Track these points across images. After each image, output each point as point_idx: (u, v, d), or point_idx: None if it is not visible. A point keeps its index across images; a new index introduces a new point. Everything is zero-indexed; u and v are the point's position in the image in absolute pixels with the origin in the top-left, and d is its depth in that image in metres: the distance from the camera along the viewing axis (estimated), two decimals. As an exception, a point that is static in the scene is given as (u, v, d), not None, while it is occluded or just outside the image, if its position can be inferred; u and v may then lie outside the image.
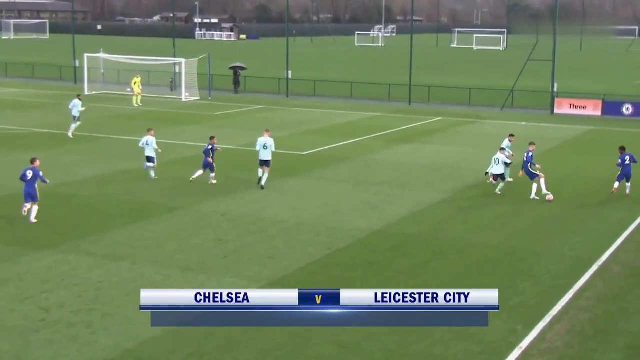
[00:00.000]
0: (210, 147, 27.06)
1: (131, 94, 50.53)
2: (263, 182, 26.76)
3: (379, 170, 30.60)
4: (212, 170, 27.30)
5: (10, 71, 69.52)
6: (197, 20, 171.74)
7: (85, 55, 57.46)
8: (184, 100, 52.91)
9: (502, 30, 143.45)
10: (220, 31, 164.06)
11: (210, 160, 26.96)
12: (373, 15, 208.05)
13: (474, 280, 17.98)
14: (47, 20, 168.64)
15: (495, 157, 26.68)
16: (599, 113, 47.68)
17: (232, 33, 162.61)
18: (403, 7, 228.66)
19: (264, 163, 26.81)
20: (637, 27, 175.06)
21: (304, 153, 33.98)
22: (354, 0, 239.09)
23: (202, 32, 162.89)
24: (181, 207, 24.14)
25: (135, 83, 49.95)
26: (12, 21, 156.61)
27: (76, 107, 37.12)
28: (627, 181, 26.69)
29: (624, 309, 16.34)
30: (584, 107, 48.37)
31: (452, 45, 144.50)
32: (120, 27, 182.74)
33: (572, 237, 21.52)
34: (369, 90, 58.21)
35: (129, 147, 34.31)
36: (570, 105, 48.93)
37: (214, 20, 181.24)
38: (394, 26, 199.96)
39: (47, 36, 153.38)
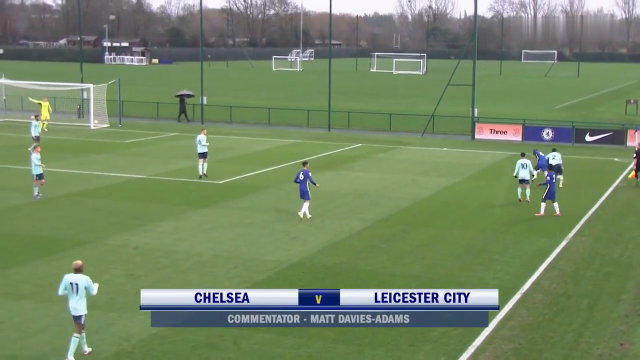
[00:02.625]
0: (303, 173, 26.98)
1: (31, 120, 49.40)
2: (205, 171, 33.87)
3: (298, 199, 30.57)
4: (306, 198, 26.99)
5: None
6: (106, 43, 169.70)
7: (-15, 80, 56.03)
8: (92, 127, 52.08)
9: (422, 54, 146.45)
10: (131, 55, 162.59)
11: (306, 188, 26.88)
12: (290, 39, 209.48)
13: (396, 311, 18.11)
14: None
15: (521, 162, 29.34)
16: (519, 138, 49.01)
17: (143, 57, 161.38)
18: (321, 31, 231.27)
19: (202, 155, 33.80)
20: (555, 51, 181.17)
21: (220, 182, 33.80)
22: (270, 24, 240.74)
23: (111, 56, 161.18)
24: (90, 241, 23.65)
25: (44, 107, 48.83)
26: None
27: None
28: (554, 200, 27.71)
29: (548, 338, 16.71)
30: (505, 132, 49.64)
31: (372, 70, 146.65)
32: (23, 51, 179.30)
33: (494, 265, 21.95)
34: (288, 116, 58.44)
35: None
36: (491, 130, 50.15)
37: (124, 44, 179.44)
38: (312, 50, 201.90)
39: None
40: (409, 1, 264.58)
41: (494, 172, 37.33)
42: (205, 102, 57.81)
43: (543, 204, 27.86)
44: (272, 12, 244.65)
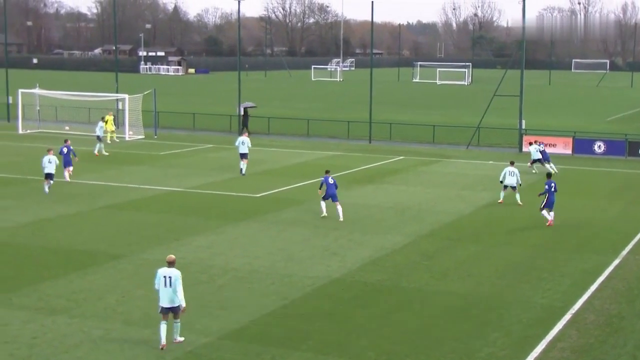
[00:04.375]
0: (328, 178, 29.27)
1: (68, 132, 50.21)
2: (244, 172, 38.18)
3: (335, 213, 30.62)
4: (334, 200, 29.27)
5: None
6: (142, 53, 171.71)
7: (20, 91, 56.91)
8: (127, 139, 52.65)
9: (467, 63, 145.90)
10: (167, 65, 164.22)
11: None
12: (330, 48, 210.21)
13: (440, 331, 18.02)
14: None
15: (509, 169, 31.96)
16: (569, 151, 48.51)
17: (179, 67, 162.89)
18: (362, 40, 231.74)
19: (243, 156, 38.11)
20: (607, 61, 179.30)
21: (257, 195, 33.96)
22: (309, 32, 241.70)
23: (147, 66, 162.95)
24: (124, 255, 23.88)
25: (107, 121, 49.85)
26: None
27: None
28: (551, 209, 28.60)
29: (599, 360, 16.48)
30: (554, 145, 49.16)
31: (415, 80, 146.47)
32: (58, 60, 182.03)
33: (544, 284, 21.72)
34: (327, 127, 58.54)
35: (67, 190, 33.96)
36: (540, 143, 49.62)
37: (160, 54, 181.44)
38: (353, 59, 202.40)
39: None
40: (454, 9, 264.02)
41: (542, 187, 36.90)
42: (242, 112, 58.13)
43: (544, 213, 28.66)
44: (311, 20, 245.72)
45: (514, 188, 32.31)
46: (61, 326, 17.90)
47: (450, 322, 18.61)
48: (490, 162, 44.91)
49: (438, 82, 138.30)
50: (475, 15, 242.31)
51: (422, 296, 20.50)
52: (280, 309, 19.32)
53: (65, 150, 36.04)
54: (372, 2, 55.94)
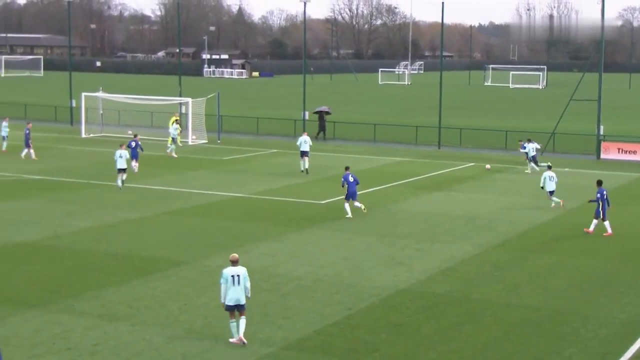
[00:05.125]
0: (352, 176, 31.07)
1: (130, 136, 50.92)
2: (305, 167, 41.05)
3: (405, 221, 30.55)
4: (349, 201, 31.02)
5: (0, 111, 70.34)
6: (206, 56, 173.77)
7: (83, 94, 58.09)
8: (190, 143, 53.33)
9: (542, 66, 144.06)
10: (231, 68, 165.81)
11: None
12: (398, 51, 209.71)
13: (512, 346, 17.80)
14: (41, 56, 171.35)
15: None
16: (650, 158, 47.53)
17: (243, 70, 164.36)
18: (431, 42, 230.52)
19: (304, 154, 40.89)
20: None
21: (323, 202, 34.05)
22: (377, 34, 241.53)
23: (210, 69, 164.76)
24: (187, 262, 24.17)
25: (172, 122, 50.70)
26: (3, 57, 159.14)
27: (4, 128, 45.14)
28: (605, 219, 28.59)
29: (682, 379, 16.09)
30: (634, 152, 48.22)
31: (486, 84, 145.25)
32: (121, 63, 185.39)
33: (623, 298, 21.30)
34: (394, 132, 58.42)
35: (129, 195, 34.55)
36: (619, 149, 48.83)
37: (224, 56, 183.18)
38: (422, 62, 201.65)
39: (41, 73, 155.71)
40: (528, 10, 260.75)
41: (622, 196, 36.27)
42: (307, 117, 58.41)
43: (606, 224, 28.60)
44: (379, 22, 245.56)
45: (551, 193, 32.82)
46: (123, 333, 18.20)
47: (522, 337, 18.37)
48: (566, 169, 44.22)
49: (511, 85, 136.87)
50: (551, 16, 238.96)
51: (493, 309, 20.28)
52: (344, 320, 19.32)
53: (133, 144, 39.99)
54: (443, 2, 55.68)
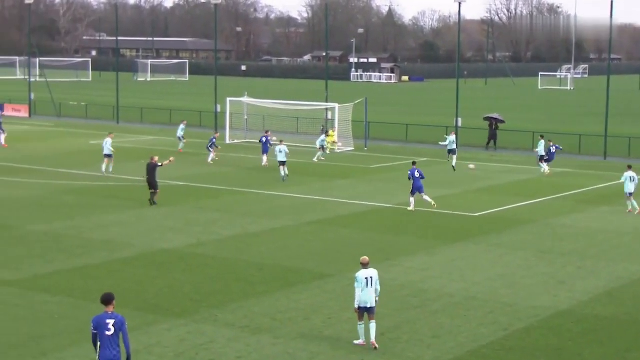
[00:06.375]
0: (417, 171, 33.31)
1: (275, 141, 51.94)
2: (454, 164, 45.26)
3: (567, 237, 29.83)
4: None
5: (145, 116, 73.20)
6: (353, 59, 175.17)
7: (228, 99, 59.54)
8: (337, 150, 53.82)
9: None
10: (379, 72, 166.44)
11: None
12: (560, 54, 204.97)
13: (687, 376, 17.06)
14: (187, 61, 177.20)
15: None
16: None
17: (392, 74, 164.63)
18: (597, 44, 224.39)
19: (453, 152, 45.79)
20: None
21: (476, 214, 33.67)
22: (537, 36, 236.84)
23: (358, 73, 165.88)
24: (331, 274, 24.39)
25: (331, 135, 52.30)
26: (149, 61, 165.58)
27: (107, 144, 42.07)
28: None
29: None
30: None
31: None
32: (266, 67, 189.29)
33: None
34: (555, 141, 57.01)
35: (272, 203, 35.20)
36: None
37: (372, 60, 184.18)
38: (586, 66, 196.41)
39: (186, 77, 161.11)
40: None
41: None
42: (460, 124, 57.91)
43: None
44: (539, 22, 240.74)
45: (630, 194, 33.48)
46: (266, 346, 18.53)
47: (699, 367, 17.58)
48: None
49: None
50: None
51: (665, 335, 19.51)
52: (500, 341, 19.02)
53: (264, 139, 45.36)
54: (612, 1, 54.05)
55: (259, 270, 24.85)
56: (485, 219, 32.95)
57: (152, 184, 34.33)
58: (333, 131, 54.28)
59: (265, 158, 45.12)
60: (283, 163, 40.90)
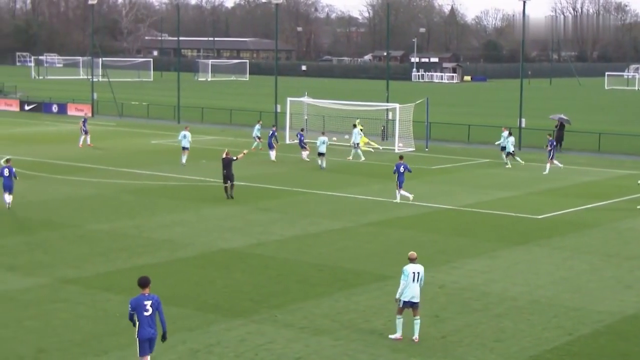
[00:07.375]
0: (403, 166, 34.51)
1: (335, 142, 52.09)
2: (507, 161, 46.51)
3: (635, 240, 29.38)
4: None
5: (206, 116, 73.81)
6: (414, 59, 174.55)
7: (288, 99, 59.76)
8: (397, 151, 53.61)
9: None
10: (441, 72, 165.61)
11: None
12: (628, 53, 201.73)
13: None
14: (247, 60, 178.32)
15: None
16: None
17: (454, 74, 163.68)
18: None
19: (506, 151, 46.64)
20: None
21: (540, 217, 33.32)
22: (604, 35, 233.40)
23: (419, 73, 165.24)
24: (391, 276, 24.25)
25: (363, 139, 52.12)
26: (210, 61, 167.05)
27: (186, 138, 45.56)
28: None
29: None
30: None
31: None
32: (326, 67, 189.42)
33: None
34: (622, 142, 56.24)
35: (334, 204, 35.23)
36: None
37: (434, 60, 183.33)
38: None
39: (246, 77, 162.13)
40: None
41: None
42: (524, 125, 57.35)
43: None
44: (606, 21, 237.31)
45: None
46: (325, 347, 18.56)
47: None
48: None
49: None
50: None
51: None
52: (564, 346, 18.81)
53: (298, 136, 48.91)
54: (681, -2, 52.99)
55: (318, 271, 24.91)
56: (548, 221, 32.58)
57: (229, 177, 35.73)
58: (359, 123, 53.08)
59: (304, 154, 47.70)
60: (322, 154, 43.95)
